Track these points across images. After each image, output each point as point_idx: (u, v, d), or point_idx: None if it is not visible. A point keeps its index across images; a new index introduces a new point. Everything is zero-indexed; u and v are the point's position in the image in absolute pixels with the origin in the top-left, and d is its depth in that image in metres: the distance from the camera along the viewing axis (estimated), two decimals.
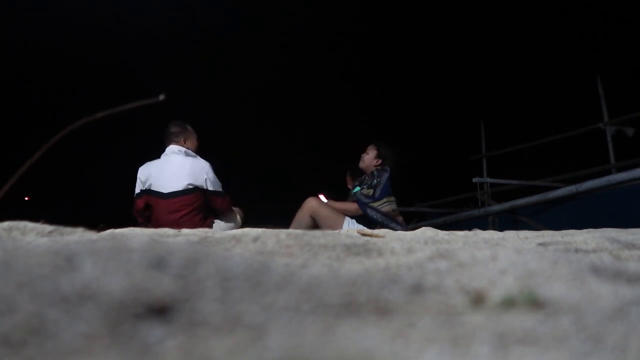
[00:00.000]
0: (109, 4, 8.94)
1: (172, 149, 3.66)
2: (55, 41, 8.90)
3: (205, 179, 3.59)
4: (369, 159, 4.24)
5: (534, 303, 0.47)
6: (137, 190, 3.67)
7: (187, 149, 3.69)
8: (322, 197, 4.32)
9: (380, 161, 4.21)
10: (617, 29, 8.90)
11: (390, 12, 10.16)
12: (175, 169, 3.56)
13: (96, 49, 9.33)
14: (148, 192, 3.59)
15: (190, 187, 3.53)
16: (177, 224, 3.36)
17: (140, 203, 3.64)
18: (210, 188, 3.63)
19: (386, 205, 3.99)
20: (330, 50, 10.76)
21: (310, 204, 3.89)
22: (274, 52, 10.21)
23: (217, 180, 3.68)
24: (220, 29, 9.64)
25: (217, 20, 9.50)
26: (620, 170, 5.98)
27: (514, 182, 6.92)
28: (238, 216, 3.84)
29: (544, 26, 9.44)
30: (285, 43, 10.10)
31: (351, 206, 4.02)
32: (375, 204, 3.96)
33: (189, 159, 3.62)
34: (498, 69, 9.78)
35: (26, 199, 11.86)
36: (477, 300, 0.49)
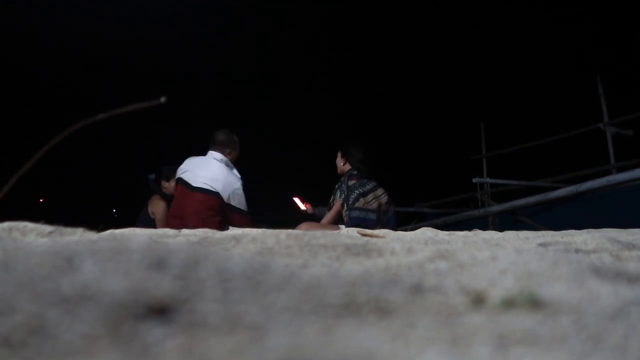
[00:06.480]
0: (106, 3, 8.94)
1: (215, 155, 3.82)
2: (56, 41, 8.90)
3: (231, 193, 3.70)
4: (338, 164, 4.06)
5: (534, 303, 0.47)
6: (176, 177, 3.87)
7: (228, 160, 3.83)
8: (297, 200, 4.29)
9: (346, 162, 3.99)
10: (617, 29, 8.90)
11: (390, 12, 10.16)
12: (209, 171, 3.71)
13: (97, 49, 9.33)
14: (179, 180, 3.77)
15: (214, 190, 3.64)
16: (194, 219, 3.48)
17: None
18: (233, 203, 3.72)
19: (373, 202, 3.80)
20: (328, 49, 10.76)
21: (302, 229, 3.78)
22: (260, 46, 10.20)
23: (242, 199, 3.78)
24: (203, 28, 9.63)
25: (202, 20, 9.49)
26: (620, 170, 5.98)
27: (514, 182, 6.92)
28: None
29: (544, 27, 9.43)
30: (276, 33, 10.08)
31: (333, 212, 3.87)
32: (356, 205, 3.78)
33: (226, 169, 3.77)
34: (498, 70, 9.78)
35: (41, 200, 11.89)
36: (477, 300, 0.49)
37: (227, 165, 3.79)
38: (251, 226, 3.73)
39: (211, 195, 3.62)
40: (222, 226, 3.67)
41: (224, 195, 3.66)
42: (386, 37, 10.57)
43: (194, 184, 3.65)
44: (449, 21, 9.98)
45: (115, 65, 9.76)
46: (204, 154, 3.88)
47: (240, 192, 3.76)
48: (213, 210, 3.62)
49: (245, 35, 10.06)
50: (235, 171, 3.84)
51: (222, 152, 3.82)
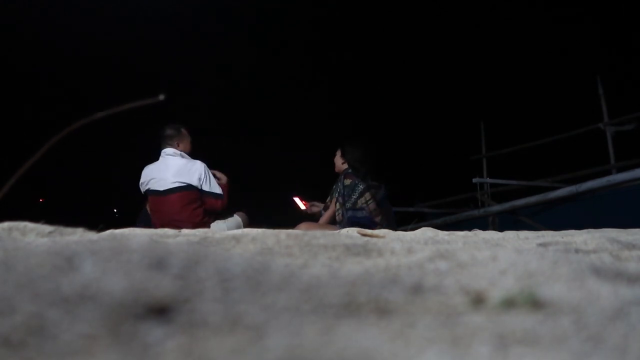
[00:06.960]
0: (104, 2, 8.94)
1: (167, 152, 3.85)
2: (56, 41, 8.90)
3: (199, 178, 3.74)
4: (336, 163, 4.08)
5: (534, 303, 0.47)
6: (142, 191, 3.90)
7: (181, 151, 3.84)
8: (297, 199, 4.29)
9: (344, 161, 4.00)
10: (617, 29, 8.90)
11: (390, 12, 10.16)
12: (170, 169, 3.74)
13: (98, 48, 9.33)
14: (148, 192, 3.81)
15: (184, 184, 3.69)
16: (179, 219, 3.55)
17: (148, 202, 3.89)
18: (205, 188, 3.76)
19: (369, 203, 3.80)
20: (328, 49, 10.76)
21: (301, 229, 3.76)
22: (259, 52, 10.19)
23: (212, 181, 3.81)
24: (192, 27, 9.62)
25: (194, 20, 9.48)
26: (620, 170, 5.99)
27: (514, 182, 6.92)
28: (242, 221, 3.88)
29: (544, 26, 9.43)
30: (275, 39, 10.08)
31: (330, 212, 3.90)
32: (356, 205, 3.80)
33: (184, 160, 3.80)
34: (498, 70, 9.78)
35: (41, 200, 11.88)
36: (477, 300, 0.49)
37: (182, 156, 3.81)
38: (225, 205, 3.79)
39: (184, 191, 3.68)
40: (207, 214, 3.75)
41: (195, 184, 3.71)
42: (386, 37, 10.57)
43: (164, 188, 3.69)
44: (449, 21, 9.98)
45: (115, 65, 9.75)
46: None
47: (206, 174, 3.78)
48: (193, 203, 3.69)
49: (245, 35, 10.05)
50: (192, 160, 3.84)
51: (172, 146, 3.83)
